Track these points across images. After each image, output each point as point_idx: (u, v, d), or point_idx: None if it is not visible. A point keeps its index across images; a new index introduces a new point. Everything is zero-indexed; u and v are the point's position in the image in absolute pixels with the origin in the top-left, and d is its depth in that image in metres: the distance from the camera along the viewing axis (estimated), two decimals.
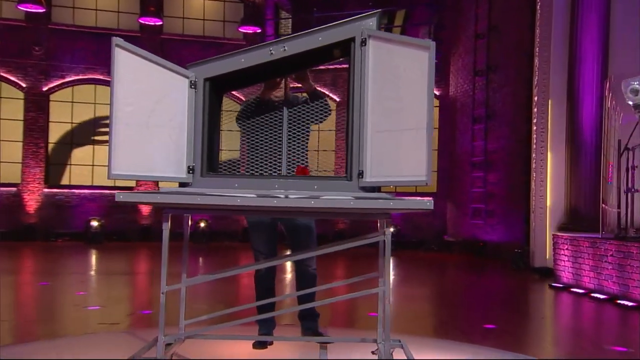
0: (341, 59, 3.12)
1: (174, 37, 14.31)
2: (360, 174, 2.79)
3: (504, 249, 10.84)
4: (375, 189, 2.82)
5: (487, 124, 11.88)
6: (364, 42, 2.79)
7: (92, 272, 8.78)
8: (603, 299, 6.40)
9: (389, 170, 2.73)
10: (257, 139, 3.30)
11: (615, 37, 8.36)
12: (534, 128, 9.45)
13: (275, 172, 3.20)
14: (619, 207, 6.78)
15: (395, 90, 2.71)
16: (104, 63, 13.49)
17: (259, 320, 3.53)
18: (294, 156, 3.32)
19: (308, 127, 3.46)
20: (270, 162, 3.22)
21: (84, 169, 14.17)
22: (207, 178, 2.86)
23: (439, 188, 13.67)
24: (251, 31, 14.07)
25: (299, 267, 3.66)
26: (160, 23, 14.08)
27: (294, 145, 3.31)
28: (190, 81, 2.85)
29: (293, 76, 3.47)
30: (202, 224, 13.51)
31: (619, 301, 6.15)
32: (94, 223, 13.40)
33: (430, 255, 12.13)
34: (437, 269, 10.08)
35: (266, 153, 3.27)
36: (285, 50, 2.85)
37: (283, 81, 3.43)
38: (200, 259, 11.04)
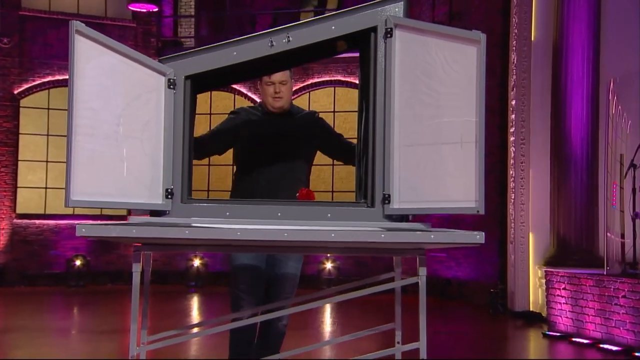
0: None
1: (38, 14, 13.88)
2: (386, 200, 2.86)
3: (475, 288, 11.22)
4: (404, 217, 2.90)
5: None
6: (389, 33, 2.88)
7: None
8: (616, 351, 6.75)
9: (424, 194, 2.81)
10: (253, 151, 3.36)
11: (607, 27, 8.91)
12: (511, 139, 9.90)
13: (270, 192, 3.24)
14: (623, 236, 7.21)
15: (432, 94, 2.81)
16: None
17: None
18: (294, 176, 3.40)
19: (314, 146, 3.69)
20: (267, 183, 3.27)
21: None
22: (190, 205, 2.83)
23: None
24: (145, 10, 13.90)
25: (265, 320, 3.67)
26: None
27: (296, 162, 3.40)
28: (168, 79, 2.83)
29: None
30: (78, 262, 13.16)
31: (636, 354, 6.49)
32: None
33: (377, 298, 12.37)
34: (388, 314, 10.28)
35: (263, 171, 3.33)
36: (289, 41, 2.89)
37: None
38: (75, 309, 10.82)
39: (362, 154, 2.97)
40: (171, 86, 2.84)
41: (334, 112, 13.23)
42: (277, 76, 3.67)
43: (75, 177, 2.55)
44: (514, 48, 9.81)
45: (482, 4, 11.47)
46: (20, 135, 13.64)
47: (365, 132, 2.94)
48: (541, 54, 9.61)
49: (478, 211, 2.68)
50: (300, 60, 3.28)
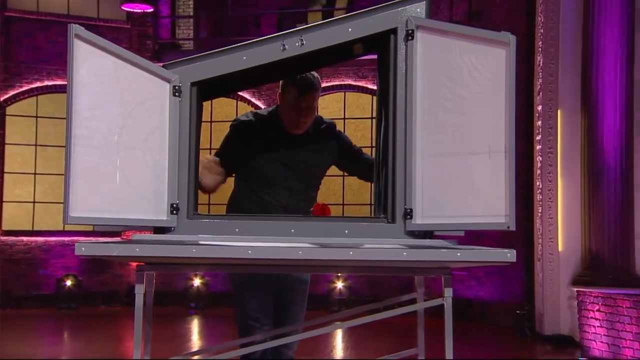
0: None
1: (25, 15, 13.98)
2: (408, 215, 2.88)
3: (499, 309, 11.18)
4: (428, 234, 2.92)
5: None
6: (410, 35, 2.90)
7: None
8: None
9: (449, 208, 2.83)
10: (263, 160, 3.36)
11: None
12: (537, 147, 9.88)
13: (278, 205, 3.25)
14: None
15: (457, 100, 2.83)
16: None
17: None
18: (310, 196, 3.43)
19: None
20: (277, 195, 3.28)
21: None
22: (196, 221, 2.85)
23: None
24: (139, 10, 13.99)
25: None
26: None
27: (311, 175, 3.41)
28: (173, 86, 2.85)
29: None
30: (69, 282, 13.20)
31: None
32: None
33: (392, 320, 12.32)
34: (404, 338, 10.25)
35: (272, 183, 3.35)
36: (303, 44, 2.91)
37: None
38: (66, 334, 10.86)
39: (381, 165, 2.98)
40: (176, 93, 2.86)
41: (344, 118, 13.25)
42: (306, 100, 3.51)
43: (74, 191, 2.57)
44: (540, 49, 9.82)
45: (504, 2, 11.49)
46: (6, 146, 13.71)
47: (385, 142, 2.96)
48: (569, 56, 9.60)
49: (508, 227, 2.69)
50: (314, 64, 3.29)
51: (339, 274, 12.50)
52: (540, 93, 9.83)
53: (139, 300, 2.76)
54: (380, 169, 3.00)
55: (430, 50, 2.89)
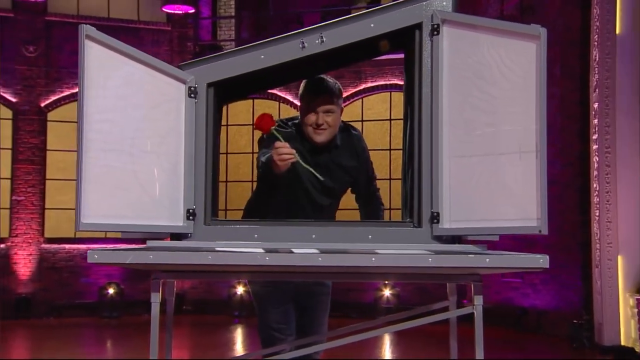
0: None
1: (65, 19, 14.23)
2: (435, 219, 2.84)
3: (555, 318, 11.01)
4: (456, 238, 2.87)
5: None
6: (436, 30, 2.87)
7: None
8: None
9: (477, 212, 2.79)
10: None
11: None
12: (594, 147, 9.70)
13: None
14: None
15: (485, 98, 2.79)
16: None
17: None
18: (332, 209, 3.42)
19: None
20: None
21: None
22: (214, 227, 2.86)
23: None
24: (180, 12, 14.14)
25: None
26: None
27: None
28: (189, 87, 2.87)
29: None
30: (111, 290, 13.38)
31: None
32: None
33: (444, 328, 12.24)
34: (460, 348, 10.15)
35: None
36: (323, 42, 2.90)
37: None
38: (109, 343, 11.02)
39: (407, 167, 2.95)
40: (192, 95, 2.87)
41: (390, 119, 13.16)
42: (322, 103, 3.43)
43: (87, 197, 2.59)
44: (596, 44, 9.64)
45: None
46: (48, 152, 13.94)
47: (411, 142, 2.93)
48: (628, 50, 9.41)
49: (540, 231, 2.63)
50: (336, 63, 3.28)
51: (386, 282, 12.44)
52: (597, 89, 9.64)
53: (154, 309, 2.77)
54: (407, 171, 2.96)
55: (457, 46, 2.85)
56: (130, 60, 2.75)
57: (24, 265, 13.72)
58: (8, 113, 13.79)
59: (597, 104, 9.61)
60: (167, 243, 2.84)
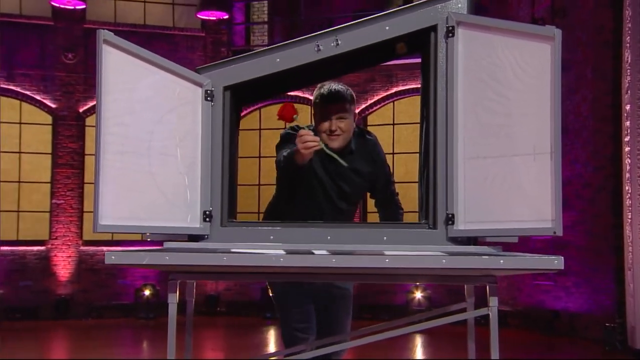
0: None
1: (103, 26, 14.31)
2: (450, 220, 2.82)
3: (587, 322, 10.87)
4: (471, 240, 2.85)
5: None
6: (451, 32, 2.85)
7: None
8: None
9: (492, 213, 2.76)
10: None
11: None
12: (626, 149, 9.58)
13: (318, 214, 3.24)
14: None
15: (500, 100, 2.76)
16: None
17: None
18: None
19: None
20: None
21: None
22: (230, 228, 2.86)
23: None
24: (214, 18, 14.23)
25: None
26: (83, 7, 14.17)
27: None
28: (205, 91, 2.88)
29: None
30: (147, 292, 13.49)
31: None
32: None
33: (475, 330, 12.17)
34: (483, 348, 10.08)
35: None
36: (338, 44, 2.89)
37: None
38: (145, 343, 11.10)
39: (423, 169, 2.93)
40: (208, 98, 2.88)
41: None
42: (334, 110, 3.44)
43: (104, 199, 2.61)
44: (628, 45, 9.52)
45: None
46: (87, 157, 14.12)
47: (426, 144, 2.91)
48: None
49: (555, 232, 2.60)
50: (352, 66, 3.27)
51: (417, 284, 12.39)
52: (629, 91, 9.52)
53: (172, 310, 2.78)
54: (422, 173, 2.95)
55: (471, 47, 2.83)
56: (147, 64, 2.76)
57: (64, 267, 13.93)
58: (48, 119, 14.05)
59: (629, 105, 9.49)
60: (184, 244, 2.86)
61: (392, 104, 13.47)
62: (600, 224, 10.77)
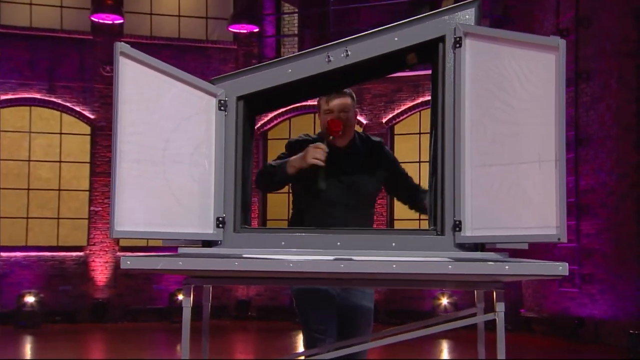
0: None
1: (140, 40, 14.56)
2: (457, 227, 2.81)
3: (612, 328, 10.74)
4: (479, 246, 2.83)
5: (577, 152, 11.92)
6: (458, 43, 2.85)
7: None
8: None
9: (499, 220, 2.75)
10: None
11: None
12: None
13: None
14: None
15: (506, 109, 2.75)
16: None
17: None
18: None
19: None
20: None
21: None
22: (243, 234, 2.88)
23: None
24: (245, 31, 14.33)
25: None
26: (121, 21, 14.35)
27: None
28: (219, 100, 2.90)
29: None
30: (181, 297, 13.53)
31: None
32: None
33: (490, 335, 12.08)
34: (518, 357, 10.00)
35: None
36: (348, 55, 2.90)
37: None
38: (178, 347, 11.15)
39: (432, 176, 2.93)
40: (222, 108, 2.91)
41: None
42: (337, 101, 3.53)
43: (120, 206, 2.64)
44: None
45: (614, 6, 11.08)
46: None
47: (435, 153, 2.90)
48: None
49: (559, 239, 2.57)
50: (362, 76, 3.28)
51: (444, 289, 12.32)
52: None
53: (186, 313, 2.79)
54: (431, 180, 2.94)
55: (479, 58, 2.82)
56: (162, 75, 2.79)
57: (101, 272, 14.09)
58: (87, 129, 14.25)
59: None
60: (198, 250, 2.88)
61: (418, 113, 13.44)
62: (625, 232, 10.65)
